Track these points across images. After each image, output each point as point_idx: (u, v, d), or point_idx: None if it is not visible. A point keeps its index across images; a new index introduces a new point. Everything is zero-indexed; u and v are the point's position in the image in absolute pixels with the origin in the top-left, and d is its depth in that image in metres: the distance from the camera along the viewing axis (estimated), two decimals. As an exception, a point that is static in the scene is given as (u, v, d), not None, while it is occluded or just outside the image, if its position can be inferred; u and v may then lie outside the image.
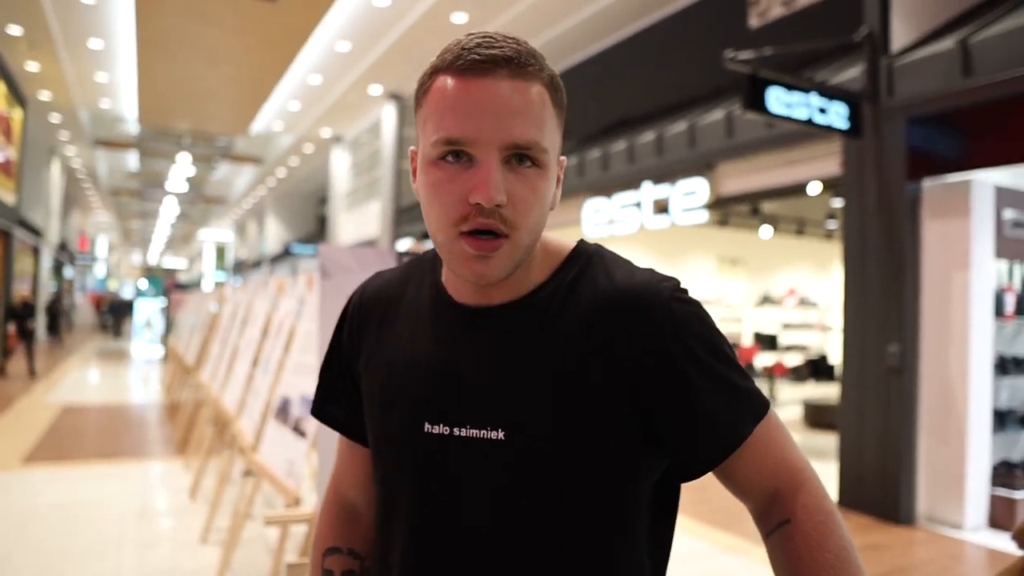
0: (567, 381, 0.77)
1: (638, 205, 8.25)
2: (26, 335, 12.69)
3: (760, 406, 0.80)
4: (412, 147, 0.84)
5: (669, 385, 0.77)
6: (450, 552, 0.80)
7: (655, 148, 7.98)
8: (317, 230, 25.53)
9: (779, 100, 4.90)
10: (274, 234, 26.46)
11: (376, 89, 14.70)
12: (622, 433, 0.77)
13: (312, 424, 2.77)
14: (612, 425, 0.77)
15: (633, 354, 0.77)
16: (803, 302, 12.66)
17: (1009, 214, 5.36)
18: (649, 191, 8.06)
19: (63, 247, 24.26)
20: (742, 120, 6.66)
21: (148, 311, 19.27)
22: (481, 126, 0.72)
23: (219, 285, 14.85)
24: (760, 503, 0.81)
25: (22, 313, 12.76)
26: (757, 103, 4.82)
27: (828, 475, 5.97)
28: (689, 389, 0.77)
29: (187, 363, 8.13)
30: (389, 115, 15.31)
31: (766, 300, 12.30)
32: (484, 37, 0.75)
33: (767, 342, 11.45)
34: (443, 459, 0.80)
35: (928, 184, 5.26)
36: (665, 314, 0.78)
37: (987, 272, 5.17)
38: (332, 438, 2.03)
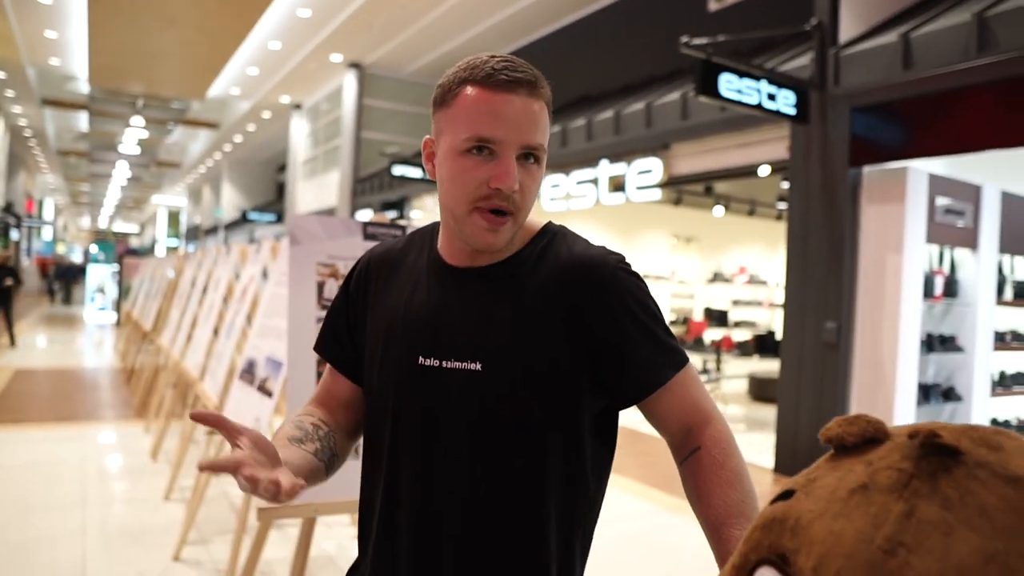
0: (531, 326, 0.98)
1: (595, 182, 8.45)
2: (5, 300, 11.41)
3: (680, 359, 1.01)
4: (428, 136, 1.04)
5: (609, 334, 0.98)
6: (439, 452, 1.00)
7: (612, 127, 8.17)
8: (275, 197, 25.24)
9: (730, 85, 5.11)
10: (230, 200, 26.05)
11: (337, 57, 14.57)
12: (571, 367, 0.98)
13: (278, 384, 2.92)
14: (564, 361, 0.98)
15: (584, 308, 0.98)
16: (753, 280, 13.08)
17: (941, 201, 5.68)
18: (606, 168, 8.26)
19: (8, 209, 23.56)
20: (697, 103, 6.88)
21: (100, 276, 18.90)
22: (508, 130, 0.94)
23: (172, 251, 14.69)
24: (675, 436, 1.02)
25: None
26: (709, 88, 5.02)
27: (767, 445, 6.31)
28: (624, 339, 0.98)
29: (144, 328, 8.12)
30: (350, 84, 15.19)
31: (717, 277, 12.67)
32: (508, 62, 0.96)
33: (718, 318, 11.82)
34: (431, 384, 1.00)
35: (868, 170, 5.55)
36: (610, 279, 0.99)
37: (918, 256, 5.50)
38: (299, 399, 2.18)
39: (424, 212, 13.10)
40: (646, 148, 7.74)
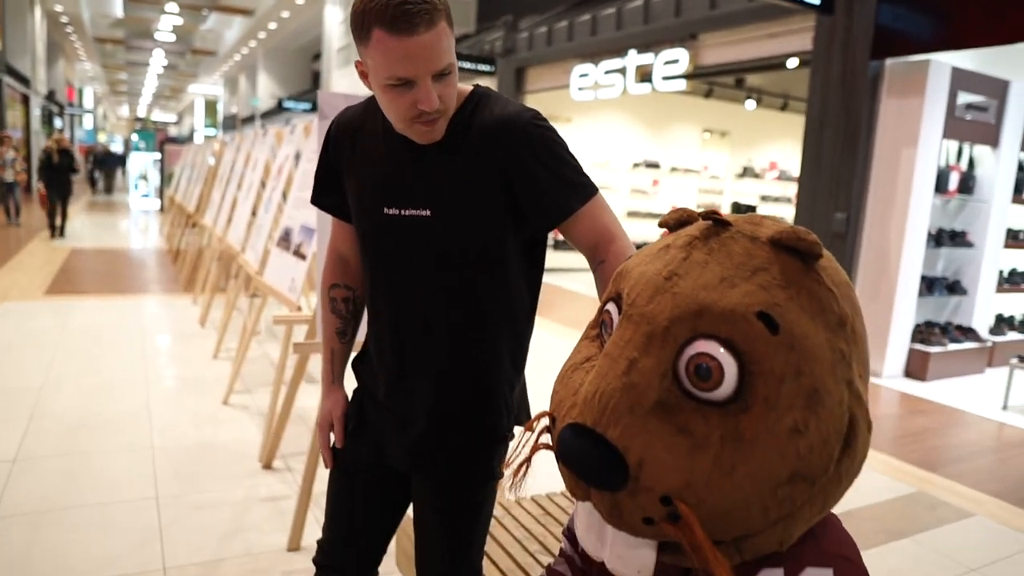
0: (466, 178, 1.26)
1: (622, 71, 8.46)
2: (64, 188, 10.73)
3: (587, 192, 1.29)
4: (357, 59, 1.26)
5: (524, 177, 1.25)
6: (405, 275, 1.33)
7: (642, 16, 8.11)
8: (310, 86, 25.21)
9: (754, -27, 5.11)
10: (266, 89, 26.11)
11: (370, -60, 14.27)
12: (498, 207, 1.27)
13: (311, 247, 3.27)
14: (492, 203, 1.27)
15: (504, 159, 1.25)
16: (783, 176, 13.05)
17: (964, 97, 5.70)
18: (633, 58, 8.26)
19: (50, 97, 23.96)
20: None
21: (143, 164, 19.41)
22: (417, 66, 1.14)
23: (209, 139, 14.99)
24: (587, 251, 1.32)
25: (59, 165, 10.74)
26: (732, -24, 5.04)
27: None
28: (536, 179, 1.25)
29: (188, 211, 8.57)
30: (383, -31, 14.91)
31: (747, 172, 12.67)
32: None
33: (745, 213, 11.92)
34: (395, 227, 1.31)
35: (890, 63, 5.57)
36: (523, 132, 1.25)
37: (933, 150, 5.57)
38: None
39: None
40: (674, 38, 7.71)
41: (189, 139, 36.96)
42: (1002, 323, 6.53)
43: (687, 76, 7.69)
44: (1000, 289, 6.41)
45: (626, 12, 8.40)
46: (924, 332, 5.83)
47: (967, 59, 5.69)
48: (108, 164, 23.09)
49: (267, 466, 3.18)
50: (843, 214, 5.68)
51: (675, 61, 7.67)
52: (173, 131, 48.45)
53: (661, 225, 0.92)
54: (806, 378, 0.76)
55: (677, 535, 0.76)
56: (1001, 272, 6.46)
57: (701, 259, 0.81)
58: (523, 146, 1.24)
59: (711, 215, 0.85)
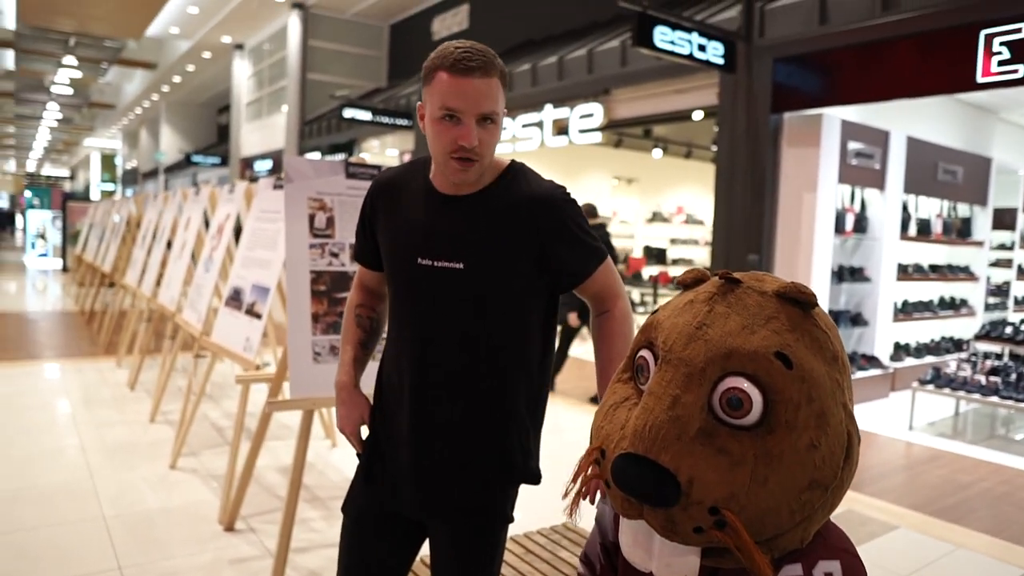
0: (499, 237, 1.43)
1: (540, 125, 8.84)
2: None
3: (601, 255, 1.50)
4: (419, 102, 1.44)
5: (556, 245, 1.44)
6: (432, 322, 1.47)
7: (556, 72, 8.54)
8: (217, 140, 24.78)
9: (664, 37, 5.55)
10: (170, 143, 25.48)
11: (281, -3, 14.39)
12: (527, 266, 1.44)
13: (266, 306, 3.32)
14: (522, 262, 1.44)
15: (539, 228, 1.43)
16: (690, 219, 13.75)
17: (853, 145, 6.29)
18: (550, 112, 8.65)
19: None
20: (635, 50, 7.29)
21: (39, 222, 18.51)
22: (466, 103, 1.34)
23: (108, 195, 14.49)
24: (592, 299, 1.52)
25: None
26: (645, 39, 5.45)
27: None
28: (566, 247, 1.45)
29: (103, 271, 8.29)
30: (294, 25, 15.04)
31: (656, 217, 13.29)
32: (467, 51, 1.34)
33: (657, 255, 12.48)
34: (427, 276, 1.45)
35: (788, 116, 6.10)
36: (557, 207, 1.45)
37: (831, 194, 6.11)
38: (298, 309, 2.58)
39: (371, 154, 13.27)
40: (588, 93, 8.15)
41: (85, 195, 35.40)
42: (900, 350, 7.10)
43: (602, 128, 8.12)
44: (896, 319, 6.99)
45: (541, 69, 8.82)
46: (833, 362, 6.27)
47: (853, 112, 6.30)
48: None
49: (229, 528, 3.15)
50: (755, 256, 6.11)
51: (590, 115, 8.09)
52: (67, 186, 46.27)
53: (679, 284, 1.11)
54: (816, 403, 0.94)
55: (725, 539, 0.92)
56: (895, 303, 7.06)
57: (723, 311, 1.00)
58: (556, 219, 1.44)
59: (724, 275, 1.04)
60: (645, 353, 1.06)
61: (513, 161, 1.52)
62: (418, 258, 1.45)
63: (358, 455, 1.61)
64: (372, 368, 1.69)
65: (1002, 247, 8.74)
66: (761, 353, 0.94)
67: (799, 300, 1.00)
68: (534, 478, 1.54)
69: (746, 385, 0.94)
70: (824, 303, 6.18)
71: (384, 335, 1.65)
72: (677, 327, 1.02)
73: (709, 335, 0.98)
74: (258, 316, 3.35)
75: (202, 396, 3.92)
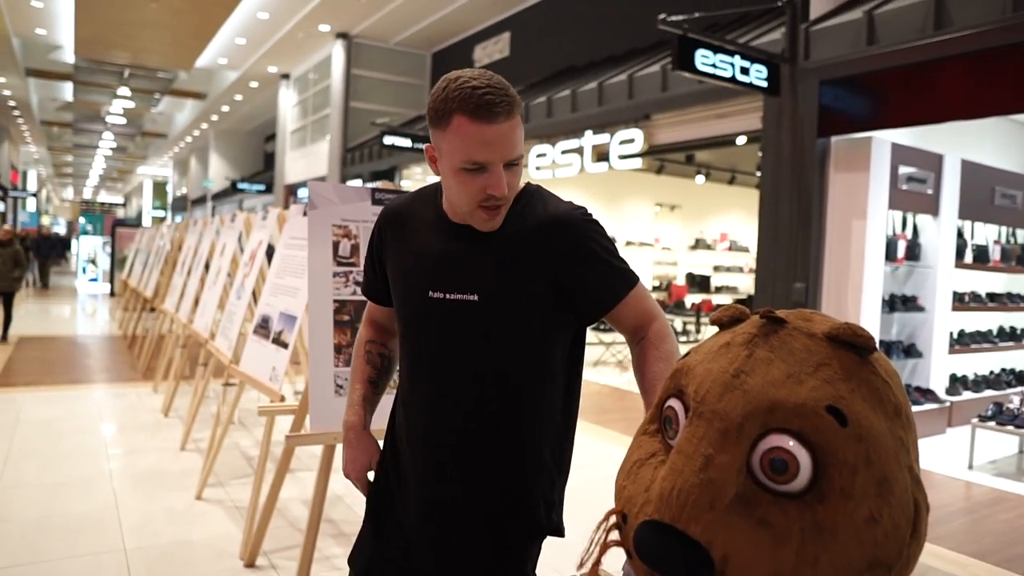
0: (515, 267, 1.30)
1: (579, 151, 8.74)
2: (5, 287, 8.88)
3: (632, 279, 1.35)
4: (428, 144, 1.32)
5: (577, 271, 1.31)
6: (445, 360, 1.34)
7: (596, 98, 8.45)
8: (263, 167, 25.30)
9: (705, 60, 5.42)
10: (217, 171, 26.09)
11: (324, 27, 14.67)
12: (547, 297, 1.31)
13: (293, 335, 3.25)
14: (541, 293, 1.30)
15: (557, 252, 1.30)
16: (734, 246, 13.47)
17: (904, 170, 6.04)
18: (590, 138, 8.55)
19: (-6, 180, 23.52)
20: (675, 75, 7.17)
21: (90, 247, 19.05)
22: (493, 153, 1.21)
23: (158, 221, 14.82)
24: (629, 333, 1.37)
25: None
26: (686, 63, 5.33)
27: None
28: (589, 272, 1.31)
29: (145, 296, 8.40)
30: (338, 54, 15.30)
31: (700, 244, 13.05)
32: (490, 91, 1.19)
33: (700, 283, 12.23)
34: (439, 311, 1.33)
35: (835, 140, 5.89)
36: (576, 229, 1.31)
37: (881, 221, 5.86)
38: (321, 342, 2.49)
39: (413, 181, 13.35)
40: (628, 119, 8.04)
41: (137, 221, 36.49)
42: (956, 383, 6.75)
43: (642, 155, 7.99)
44: (952, 350, 6.66)
45: (580, 95, 8.74)
46: (886, 395, 5.98)
47: (904, 136, 6.06)
48: (43, 250, 17.99)
49: (249, 564, 3.06)
50: (802, 284, 5.89)
51: (631, 140, 7.97)
52: (120, 213, 47.75)
53: (713, 323, 0.97)
54: (876, 467, 0.80)
55: (767, 629, 0.77)
56: (951, 333, 6.72)
57: (765, 356, 0.86)
58: (575, 242, 1.30)
59: (766, 314, 0.90)
60: (674, 403, 0.93)
61: (528, 184, 1.40)
62: (429, 291, 1.34)
63: (367, 503, 1.49)
64: (387, 402, 1.59)
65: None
66: (810, 407, 0.80)
67: (854, 344, 0.85)
68: (557, 532, 1.40)
69: (792, 444, 0.79)
70: (876, 333, 5.90)
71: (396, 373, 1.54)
72: (711, 374, 0.88)
73: (748, 384, 0.84)
74: (284, 345, 3.27)
75: (229, 424, 3.85)
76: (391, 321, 1.53)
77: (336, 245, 2.65)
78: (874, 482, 0.79)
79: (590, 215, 1.35)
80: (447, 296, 1.32)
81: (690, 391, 0.89)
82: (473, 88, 1.20)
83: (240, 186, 20.47)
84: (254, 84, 19.46)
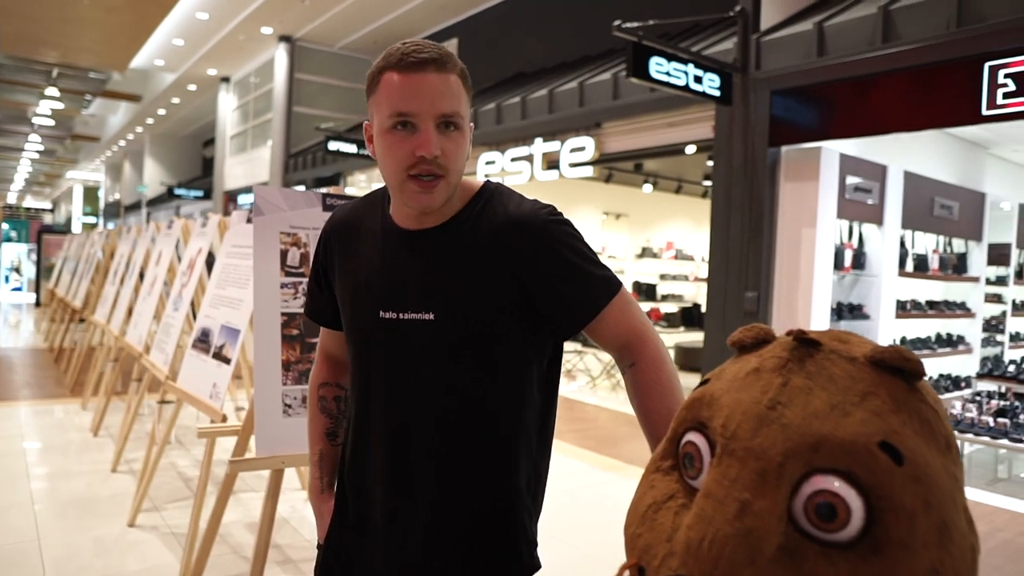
0: (475, 278, 1.15)
1: (529, 159, 8.66)
2: None
3: (612, 288, 1.18)
4: (366, 121, 1.18)
5: (545, 280, 1.15)
6: (402, 386, 1.18)
7: (546, 105, 8.38)
8: (201, 173, 24.55)
9: (660, 68, 5.39)
10: (153, 176, 25.19)
11: (267, 30, 14.30)
12: (512, 311, 1.15)
13: (235, 350, 3.04)
14: (506, 306, 1.15)
15: (521, 259, 1.14)
16: (680, 255, 13.59)
17: (851, 180, 6.13)
18: (540, 146, 8.48)
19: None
20: (627, 82, 7.15)
21: (14, 255, 18.11)
22: (421, 103, 1.08)
23: (89, 228, 14.19)
24: (616, 352, 1.20)
25: None
26: (640, 70, 5.28)
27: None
28: (560, 281, 1.15)
29: (74, 306, 7.96)
30: (281, 58, 14.93)
31: (646, 252, 13.11)
32: (417, 46, 1.09)
33: (646, 291, 12.27)
34: (393, 332, 1.17)
35: (786, 150, 5.94)
36: (541, 231, 1.15)
37: (830, 230, 5.93)
38: (268, 358, 2.32)
39: (357, 188, 13.07)
40: (579, 126, 7.99)
41: (66, 228, 35.04)
42: (900, 390, 6.87)
43: (593, 163, 7.95)
44: (896, 358, 6.77)
45: (531, 102, 8.67)
46: (835, 403, 6.04)
47: (851, 146, 6.15)
48: None
49: (188, 596, 2.83)
50: (753, 293, 5.90)
51: (581, 148, 7.92)
52: (48, 219, 45.76)
53: (734, 344, 0.85)
54: (935, 511, 0.69)
55: None
56: (895, 340, 6.85)
57: (803, 384, 0.75)
58: (542, 247, 1.15)
59: (799, 335, 0.79)
60: (695, 438, 0.81)
61: (488, 181, 1.25)
62: (380, 311, 1.18)
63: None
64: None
65: (998, 281, 8.59)
66: (861, 443, 0.69)
67: (903, 369, 0.74)
68: (535, 570, 1.27)
69: (839, 486, 0.68)
70: (824, 342, 5.96)
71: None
72: (741, 405, 0.77)
73: (787, 417, 0.73)
74: (226, 360, 3.07)
75: (166, 444, 3.60)
76: (344, 351, 1.35)
77: (284, 254, 2.47)
78: (934, 529, 0.69)
79: (559, 214, 1.20)
80: (400, 316, 1.16)
81: (716, 425, 0.78)
82: (402, 44, 1.11)
83: (177, 192, 19.78)
84: (192, 87, 18.86)
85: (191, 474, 4.43)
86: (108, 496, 3.95)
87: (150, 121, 23.13)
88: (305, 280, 2.48)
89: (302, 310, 2.45)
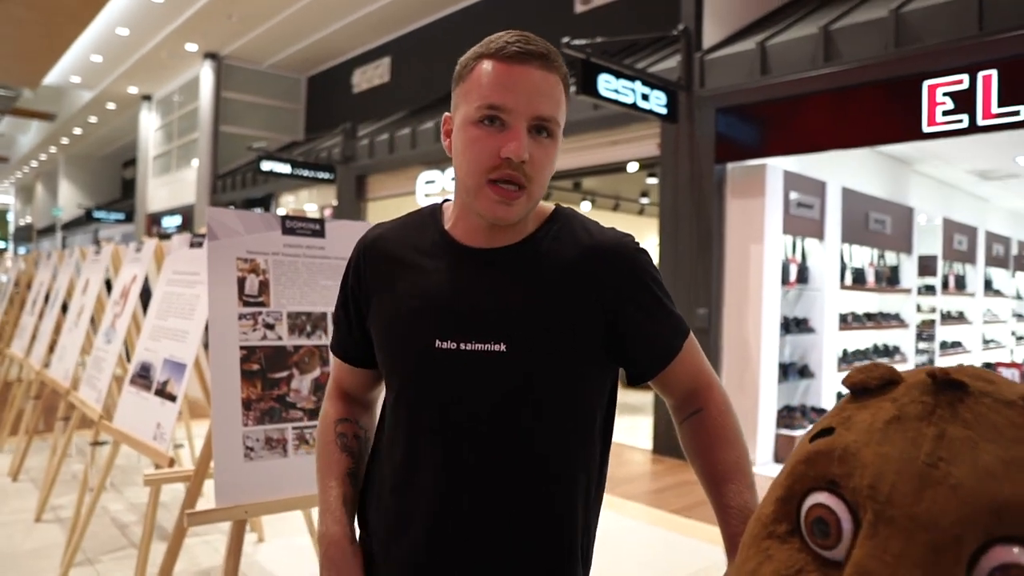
0: (556, 306, 1.01)
1: (473, 178, 8.53)
2: None
3: (685, 328, 1.08)
4: (447, 113, 1.05)
5: (633, 313, 1.03)
6: (459, 428, 1.01)
7: (490, 123, 8.29)
8: (120, 195, 23.53)
9: (608, 85, 5.36)
10: (69, 198, 23.99)
11: (192, 47, 13.82)
12: (595, 345, 1.02)
13: (181, 386, 2.80)
14: (589, 339, 1.02)
15: (605, 288, 1.02)
16: (619, 272, 13.70)
17: (794, 195, 6.23)
18: (484, 165, 8.37)
19: None
20: (570, 100, 7.12)
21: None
22: (517, 99, 0.95)
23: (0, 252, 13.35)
24: (679, 398, 1.09)
25: None
26: (589, 87, 5.24)
27: (645, 428, 6.65)
28: (645, 314, 1.03)
29: (-15, 339, 7.37)
30: (207, 76, 14.44)
31: (586, 270, 13.16)
32: (522, 37, 0.98)
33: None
34: (452, 365, 1.00)
35: (731, 167, 5.99)
36: (630, 261, 1.04)
37: (777, 245, 6.00)
38: (226, 395, 2.11)
39: (286, 209, 12.67)
40: (523, 145, 7.90)
41: (-29, 254, 33.00)
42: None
43: (537, 180, 7.88)
44: (841, 369, 6.91)
45: (472, 120, 8.55)
46: (786, 417, 6.09)
47: (792, 163, 6.26)
48: None
49: (133, 662, 2.56)
50: (704, 309, 5.91)
51: (525, 166, 7.83)
52: (-50, 245, 43.06)
53: (853, 386, 0.73)
54: None
55: None
56: (838, 353, 6.98)
57: (963, 435, 0.63)
58: (631, 278, 1.03)
59: (942, 375, 0.67)
60: (828, 500, 0.68)
61: (559, 205, 1.13)
62: (436, 340, 1.01)
63: None
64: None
65: (927, 289, 8.90)
66: (1049, 506, 0.59)
67: (1072, 413, 0.64)
68: None
69: None
70: (774, 356, 6.01)
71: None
72: (891, 462, 0.65)
73: (955, 476, 0.61)
74: (171, 398, 2.81)
75: (101, 490, 3.29)
76: (366, 389, 1.20)
77: (242, 282, 2.26)
78: None
79: (639, 244, 1.08)
80: (462, 347, 1.00)
81: (860, 485, 0.65)
82: (506, 33, 0.98)
83: (96, 215, 18.85)
84: (111, 105, 18.07)
85: (125, 520, 4.09)
86: (32, 550, 3.59)
87: (65, 141, 22.05)
88: (265, 310, 2.28)
89: (263, 343, 2.26)
